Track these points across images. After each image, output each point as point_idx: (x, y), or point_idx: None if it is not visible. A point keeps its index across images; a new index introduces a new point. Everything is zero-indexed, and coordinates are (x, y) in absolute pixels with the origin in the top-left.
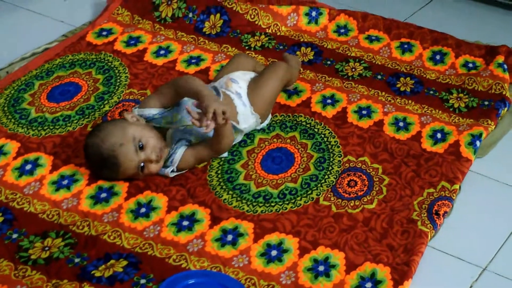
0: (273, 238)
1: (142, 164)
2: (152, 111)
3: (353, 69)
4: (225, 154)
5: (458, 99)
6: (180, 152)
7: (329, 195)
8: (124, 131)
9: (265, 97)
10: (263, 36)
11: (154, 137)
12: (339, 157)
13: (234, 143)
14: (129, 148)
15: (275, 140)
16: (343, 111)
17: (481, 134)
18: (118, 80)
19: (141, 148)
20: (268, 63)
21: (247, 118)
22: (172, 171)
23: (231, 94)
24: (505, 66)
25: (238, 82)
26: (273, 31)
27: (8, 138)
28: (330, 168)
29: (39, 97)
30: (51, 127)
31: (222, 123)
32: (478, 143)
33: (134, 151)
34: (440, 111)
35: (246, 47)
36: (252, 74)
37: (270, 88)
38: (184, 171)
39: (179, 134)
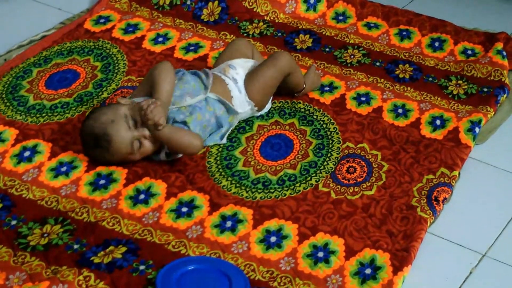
0: (272, 224)
1: (138, 142)
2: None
3: (352, 56)
4: (224, 141)
5: (457, 86)
6: None
7: (328, 182)
8: (116, 110)
9: (260, 85)
10: (261, 23)
11: (163, 119)
12: (338, 143)
13: (231, 127)
14: (121, 124)
15: (274, 126)
16: (342, 97)
17: (480, 121)
18: (116, 67)
19: (134, 125)
20: (266, 50)
21: (242, 104)
22: (166, 153)
23: (226, 79)
24: (504, 53)
25: (236, 68)
26: (272, 18)
27: (7, 125)
28: (329, 154)
29: (37, 84)
30: (50, 114)
31: (152, 127)
32: (477, 129)
33: (126, 127)
34: (439, 98)
35: (245, 34)
36: (252, 62)
37: (267, 77)
38: (179, 155)
39: (175, 115)
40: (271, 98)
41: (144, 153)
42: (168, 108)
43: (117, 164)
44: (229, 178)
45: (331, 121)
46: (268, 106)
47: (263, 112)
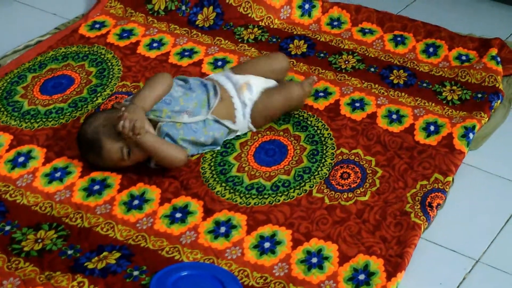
0: (266, 230)
1: (127, 150)
2: None
3: (346, 62)
4: (217, 147)
5: (451, 91)
6: None
7: (322, 187)
8: (109, 115)
9: (269, 115)
10: (256, 29)
11: (140, 122)
12: (332, 149)
13: (227, 138)
14: (111, 131)
15: (268, 132)
16: (336, 103)
17: (474, 127)
18: (111, 73)
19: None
20: (263, 54)
21: (242, 127)
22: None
23: (236, 102)
24: (498, 59)
25: (252, 91)
26: (266, 23)
27: (1, 131)
28: (323, 160)
29: (32, 89)
30: (44, 120)
31: (128, 135)
32: (471, 135)
33: (116, 134)
34: (433, 104)
35: (239, 40)
36: (271, 84)
37: (277, 109)
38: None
39: (168, 129)
40: None
41: (135, 160)
42: (155, 116)
43: (112, 170)
44: (223, 184)
45: (325, 126)
46: None
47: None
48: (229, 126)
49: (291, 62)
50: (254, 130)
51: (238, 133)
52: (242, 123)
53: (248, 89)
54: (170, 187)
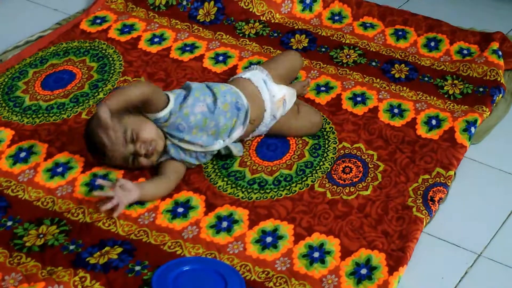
0: (268, 224)
1: (132, 157)
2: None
3: (348, 56)
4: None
5: (453, 85)
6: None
7: (324, 182)
8: (120, 120)
9: (284, 133)
10: (257, 24)
11: (148, 130)
12: (334, 143)
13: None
14: (117, 137)
15: None
16: (338, 97)
17: (476, 121)
18: (112, 68)
19: (132, 140)
20: (262, 50)
21: (258, 134)
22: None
23: (267, 115)
24: (500, 53)
25: (286, 108)
26: (268, 18)
27: (2, 126)
28: (325, 154)
29: (33, 85)
30: (45, 115)
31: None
32: (473, 129)
33: (122, 141)
34: (435, 98)
35: (240, 35)
36: (295, 97)
37: (292, 133)
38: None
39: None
40: None
41: (140, 168)
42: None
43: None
44: (225, 179)
45: (327, 121)
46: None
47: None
48: (234, 152)
49: None
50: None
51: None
52: (261, 132)
53: (283, 104)
54: None
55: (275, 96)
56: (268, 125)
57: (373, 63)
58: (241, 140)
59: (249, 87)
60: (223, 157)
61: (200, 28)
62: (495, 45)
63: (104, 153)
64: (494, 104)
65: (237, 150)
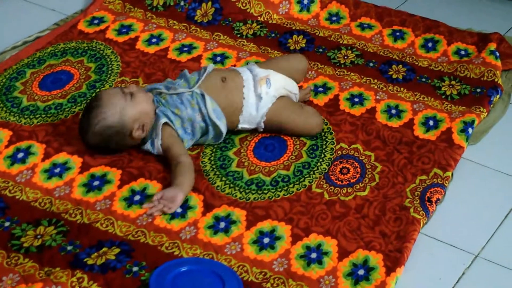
0: (265, 225)
1: (129, 95)
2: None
3: (345, 57)
4: (216, 139)
5: (451, 86)
6: (161, 122)
7: (321, 183)
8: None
9: (278, 128)
10: (254, 24)
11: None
12: (331, 144)
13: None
14: (116, 91)
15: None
16: (335, 98)
17: (473, 121)
18: (110, 68)
19: (131, 96)
20: (260, 50)
21: (250, 121)
22: (151, 144)
23: (248, 91)
24: (497, 54)
25: (270, 86)
26: (265, 19)
27: (0, 127)
28: (322, 155)
29: (31, 85)
30: (43, 115)
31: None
32: (470, 130)
33: (121, 95)
34: (432, 99)
35: (238, 35)
36: (292, 84)
37: (289, 127)
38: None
39: (168, 106)
40: None
41: (138, 105)
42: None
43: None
44: (223, 178)
45: (325, 121)
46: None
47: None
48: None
49: None
50: (262, 129)
51: (244, 128)
52: (253, 117)
53: (267, 83)
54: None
55: (257, 75)
56: (259, 111)
57: (371, 64)
58: (235, 130)
59: (230, 71)
60: (219, 149)
61: (198, 29)
62: (492, 46)
63: (96, 109)
64: (492, 105)
65: (220, 122)
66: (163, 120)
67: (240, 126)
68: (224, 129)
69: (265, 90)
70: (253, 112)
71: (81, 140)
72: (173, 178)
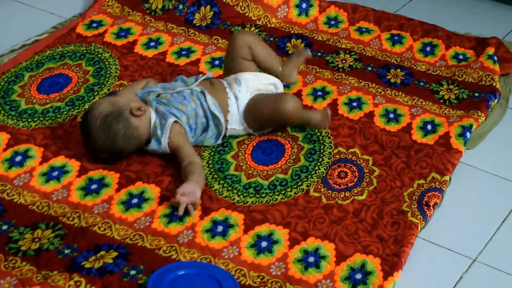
0: (263, 229)
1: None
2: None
3: (344, 61)
4: (214, 140)
5: (449, 90)
6: (170, 121)
7: (319, 187)
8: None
9: (259, 120)
10: (253, 28)
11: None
12: (329, 148)
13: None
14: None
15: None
16: (334, 102)
17: (471, 126)
18: (108, 72)
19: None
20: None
21: (236, 122)
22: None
23: (229, 91)
24: (495, 58)
25: (241, 85)
26: (264, 23)
27: None
28: (320, 159)
29: (29, 88)
30: (41, 119)
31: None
32: (468, 134)
33: (106, 98)
34: (430, 103)
35: None
36: (262, 80)
37: (265, 116)
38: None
39: (171, 105)
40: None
41: (125, 93)
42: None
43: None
44: (221, 182)
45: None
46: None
47: (261, 132)
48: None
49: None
50: (250, 131)
51: (233, 129)
52: (236, 116)
53: (237, 82)
54: (170, 185)
55: (228, 80)
56: (239, 109)
57: (369, 68)
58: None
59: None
60: (218, 151)
61: (196, 33)
62: (490, 50)
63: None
64: (490, 109)
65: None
66: (172, 119)
67: (229, 127)
68: (223, 123)
69: (238, 89)
70: (235, 111)
71: (92, 153)
72: (188, 175)
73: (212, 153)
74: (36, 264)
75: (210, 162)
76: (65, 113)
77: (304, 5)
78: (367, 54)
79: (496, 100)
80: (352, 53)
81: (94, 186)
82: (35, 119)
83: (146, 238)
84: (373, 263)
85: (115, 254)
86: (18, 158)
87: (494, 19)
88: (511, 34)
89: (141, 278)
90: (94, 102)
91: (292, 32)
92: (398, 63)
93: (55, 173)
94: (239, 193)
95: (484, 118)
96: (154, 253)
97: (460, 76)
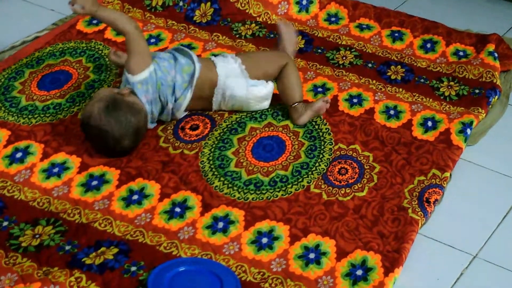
0: (263, 225)
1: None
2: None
3: (344, 58)
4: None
5: (449, 87)
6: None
7: (320, 183)
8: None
9: (255, 57)
10: (253, 25)
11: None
12: (330, 145)
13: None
14: None
15: (267, 128)
16: (334, 99)
17: (471, 122)
18: (109, 68)
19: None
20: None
21: (226, 65)
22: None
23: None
24: (496, 54)
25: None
26: (264, 19)
27: None
28: (321, 156)
29: (30, 85)
30: (42, 115)
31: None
32: (468, 131)
33: None
34: (431, 99)
35: (237, 36)
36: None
37: (262, 54)
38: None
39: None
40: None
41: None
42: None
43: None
44: (222, 178)
45: (324, 122)
46: (270, 86)
47: (260, 107)
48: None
49: None
50: (248, 76)
51: (228, 79)
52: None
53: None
54: (170, 182)
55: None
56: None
57: (369, 65)
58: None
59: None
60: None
61: (197, 29)
62: (491, 47)
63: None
64: (490, 106)
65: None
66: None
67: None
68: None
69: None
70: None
71: (115, 150)
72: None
73: (212, 150)
74: (37, 260)
75: (210, 158)
76: (65, 109)
77: (304, 2)
78: (367, 51)
79: (496, 97)
80: (352, 50)
81: (94, 183)
82: (35, 116)
83: (147, 235)
84: (374, 259)
85: (115, 250)
86: (19, 155)
87: (495, 16)
88: (511, 31)
89: (142, 274)
90: (84, 111)
91: None
92: (398, 60)
93: (56, 170)
94: (240, 190)
95: (485, 114)
96: (154, 250)
97: (461, 72)
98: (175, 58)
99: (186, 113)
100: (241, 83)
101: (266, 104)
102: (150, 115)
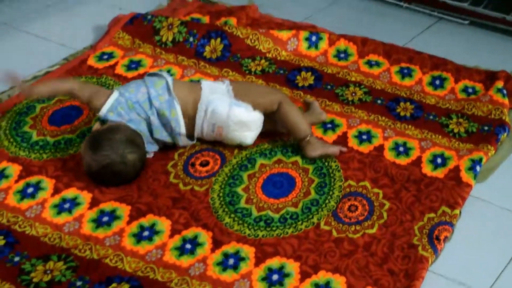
0: (274, 262)
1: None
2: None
3: (353, 94)
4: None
5: (458, 124)
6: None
7: (329, 220)
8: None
9: (247, 89)
10: (263, 61)
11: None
12: (340, 181)
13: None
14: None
15: (276, 165)
16: (344, 135)
17: (481, 159)
18: None
19: None
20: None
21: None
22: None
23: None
24: (505, 91)
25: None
26: (274, 55)
27: (10, 161)
28: (331, 192)
29: (41, 120)
30: (53, 151)
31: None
32: (478, 168)
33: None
34: (440, 136)
35: (247, 71)
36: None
37: (254, 86)
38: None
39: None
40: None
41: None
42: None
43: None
44: (232, 215)
45: (333, 159)
46: (247, 136)
47: (242, 138)
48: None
49: (298, 94)
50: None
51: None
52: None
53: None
54: (180, 218)
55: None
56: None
57: (379, 101)
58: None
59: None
60: (227, 194)
61: (207, 65)
62: (499, 84)
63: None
64: (499, 143)
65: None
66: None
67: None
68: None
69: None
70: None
71: (135, 167)
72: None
73: (222, 186)
74: None
75: (221, 194)
76: (76, 145)
77: (314, 38)
78: (376, 87)
79: (505, 134)
80: (361, 86)
81: (105, 218)
82: (46, 151)
83: (158, 271)
84: None
85: (126, 286)
86: (30, 190)
87: (503, 53)
88: None
89: None
90: (84, 167)
91: (302, 65)
92: (407, 96)
93: (67, 205)
94: (250, 227)
95: (494, 151)
96: (165, 286)
97: (470, 109)
98: (143, 80)
99: (193, 141)
100: (224, 100)
101: (248, 136)
102: (142, 133)
